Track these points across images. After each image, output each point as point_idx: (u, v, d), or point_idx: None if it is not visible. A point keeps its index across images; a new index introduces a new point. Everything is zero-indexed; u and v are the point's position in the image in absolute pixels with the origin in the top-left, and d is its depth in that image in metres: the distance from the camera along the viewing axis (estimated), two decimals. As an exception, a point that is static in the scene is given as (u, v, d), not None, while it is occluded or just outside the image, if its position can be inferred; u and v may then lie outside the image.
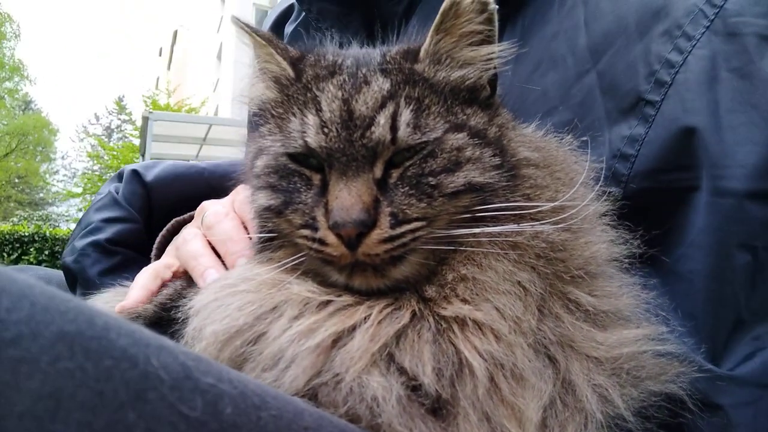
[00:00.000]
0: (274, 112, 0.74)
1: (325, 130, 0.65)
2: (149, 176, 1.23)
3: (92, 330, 0.38)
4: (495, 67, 0.74)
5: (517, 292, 0.62)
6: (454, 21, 0.70)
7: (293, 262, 0.67)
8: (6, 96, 27.66)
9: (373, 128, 0.64)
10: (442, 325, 0.60)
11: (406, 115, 0.66)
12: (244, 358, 0.62)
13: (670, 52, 0.75)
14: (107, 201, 1.22)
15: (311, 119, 0.66)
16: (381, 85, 0.67)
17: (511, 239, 0.64)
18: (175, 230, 1.07)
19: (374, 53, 0.74)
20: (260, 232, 0.74)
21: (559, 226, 0.64)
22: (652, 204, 0.76)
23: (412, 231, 0.62)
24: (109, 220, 1.20)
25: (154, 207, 1.23)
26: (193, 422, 0.39)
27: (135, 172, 1.23)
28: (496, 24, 0.72)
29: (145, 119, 10.77)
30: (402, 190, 0.64)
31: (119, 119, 34.75)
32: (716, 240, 0.70)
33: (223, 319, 0.64)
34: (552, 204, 0.66)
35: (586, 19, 0.87)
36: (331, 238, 0.62)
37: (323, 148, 0.65)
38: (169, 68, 41.28)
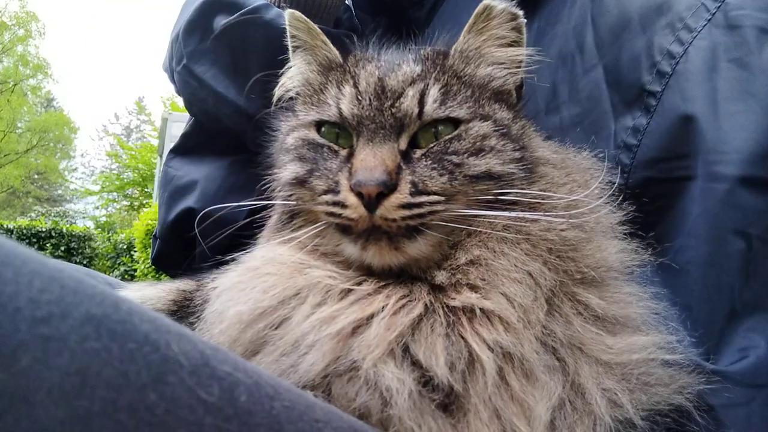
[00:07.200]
0: (313, 91, 0.79)
1: (359, 98, 0.70)
2: None
3: (117, 314, 0.39)
4: (522, 74, 0.78)
5: (527, 281, 0.62)
6: (486, 23, 0.75)
7: (312, 232, 0.69)
8: (29, 93, 28.16)
9: (402, 99, 0.69)
10: (451, 318, 0.60)
11: (433, 93, 0.70)
12: (264, 341, 0.63)
13: (672, 43, 0.77)
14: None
15: (348, 90, 0.72)
16: (413, 68, 0.72)
17: (525, 229, 0.65)
18: None
19: (410, 52, 0.78)
20: (283, 208, 0.76)
21: (572, 221, 0.66)
22: (653, 195, 0.77)
23: (430, 203, 0.64)
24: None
25: None
26: (210, 407, 0.41)
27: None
28: (525, 34, 0.76)
29: (165, 120, 10.89)
30: (425, 164, 0.67)
31: (139, 119, 35.29)
32: (711, 225, 0.71)
33: (248, 301, 0.65)
34: (568, 198, 0.68)
35: (593, 16, 0.90)
36: (351, 199, 0.64)
37: (355, 116, 0.69)
38: (189, 71, 41.50)
